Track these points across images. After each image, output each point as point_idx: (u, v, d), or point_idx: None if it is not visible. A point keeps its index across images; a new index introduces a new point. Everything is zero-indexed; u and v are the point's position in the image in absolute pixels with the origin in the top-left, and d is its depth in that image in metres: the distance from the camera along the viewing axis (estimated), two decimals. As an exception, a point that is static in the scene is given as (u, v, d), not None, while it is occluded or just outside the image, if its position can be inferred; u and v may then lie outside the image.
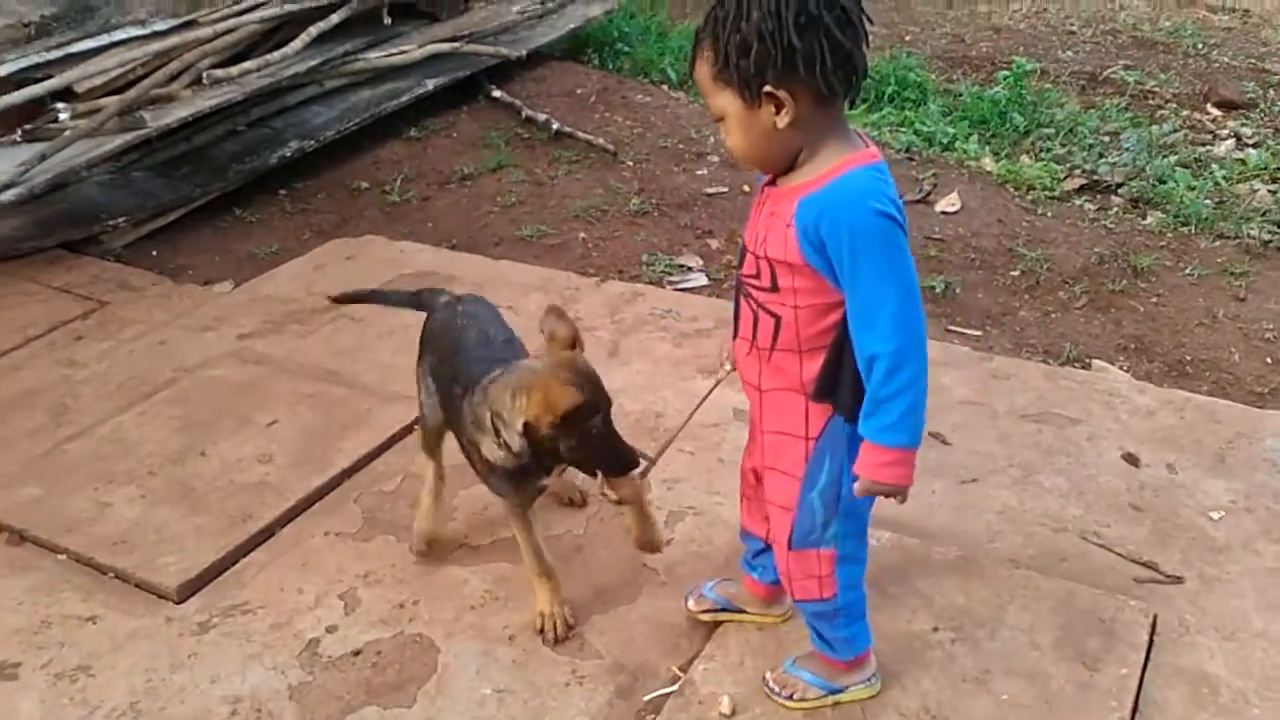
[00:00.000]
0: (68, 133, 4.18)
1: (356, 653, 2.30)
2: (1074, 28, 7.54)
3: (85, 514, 2.73)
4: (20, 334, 3.64)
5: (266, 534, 2.66)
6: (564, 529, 2.62)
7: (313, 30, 4.91)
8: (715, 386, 2.15)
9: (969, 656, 2.19)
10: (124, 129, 4.31)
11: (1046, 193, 4.85)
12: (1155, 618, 2.28)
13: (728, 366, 2.03)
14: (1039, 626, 2.26)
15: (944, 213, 4.56)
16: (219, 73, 4.53)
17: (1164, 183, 4.87)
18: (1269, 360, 3.55)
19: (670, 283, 4.02)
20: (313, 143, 4.96)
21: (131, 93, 4.32)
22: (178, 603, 2.46)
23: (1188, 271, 4.12)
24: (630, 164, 5.03)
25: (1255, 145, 5.47)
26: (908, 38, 7.23)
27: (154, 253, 4.35)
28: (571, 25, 6.26)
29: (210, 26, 4.69)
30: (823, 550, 1.94)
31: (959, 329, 3.73)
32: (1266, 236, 4.40)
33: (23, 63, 4.44)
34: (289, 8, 4.92)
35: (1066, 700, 2.08)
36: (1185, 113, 5.94)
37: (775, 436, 1.90)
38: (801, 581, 1.98)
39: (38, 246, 4.22)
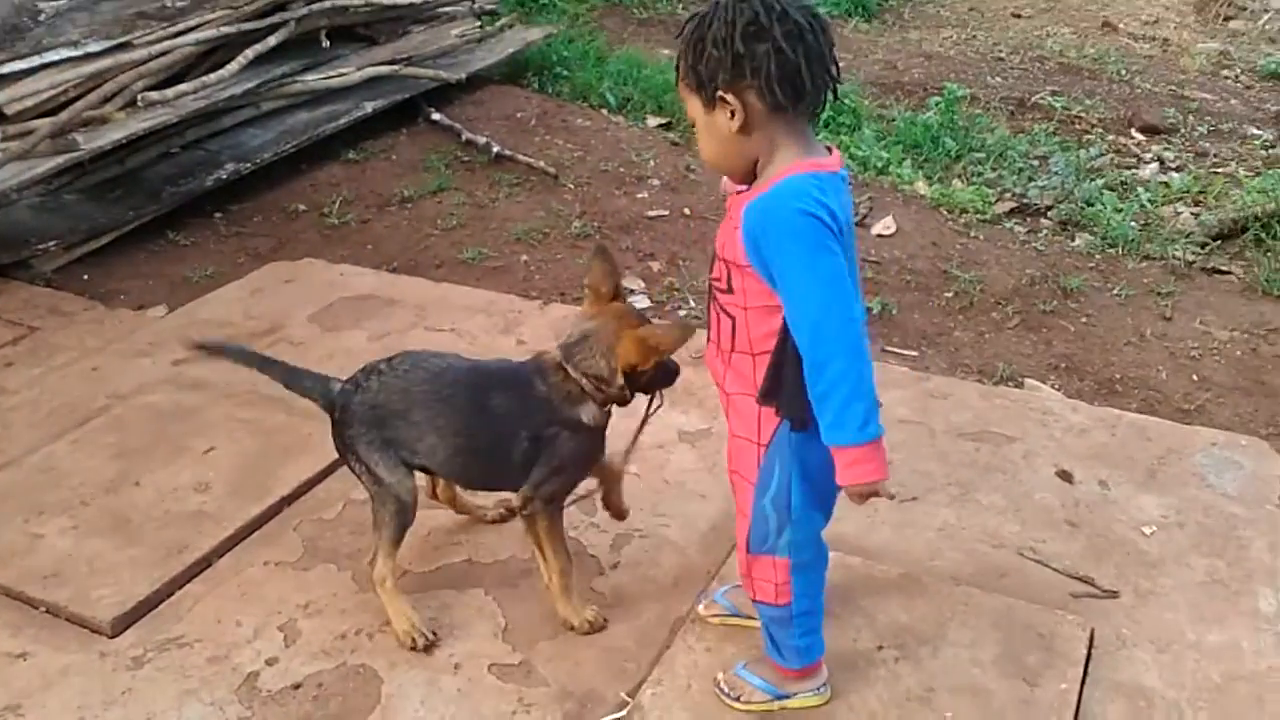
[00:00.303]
0: (-3, 155, 4.09)
1: (297, 685, 2.26)
2: (1003, 54, 7.72)
3: (15, 546, 2.65)
4: (-55, 361, 3.55)
5: (204, 564, 2.61)
6: (509, 554, 2.60)
7: (249, 53, 4.85)
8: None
9: (913, 674, 2.22)
10: (56, 151, 4.22)
11: (978, 216, 4.95)
12: (1093, 632, 2.33)
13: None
14: (980, 643, 2.29)
15: (879, 235, 4.63)
16: (154, 95, 4.46)
17: (1091, 205, 4.99)
18: (1195, 378, 3.65)
19: (612, 305, 4.02)
20: (249, 165, 4.90)
21: (64, 115, 4.24)
22: (111, 637, 2.40)
23: (1115, 292, 4.23)
24: (571, 187, 5.04)
25: (1178, 169, 5.64)
26: (841, 64, 7.31)
27: (85, 277, 4.26)
28: (511, 49, 6.27)
29: (145, 48, 4.62)
30: (777, 558, 1.97)
31: (896, 349, 3.78)
32: (1190, 257, 4.53)
33: (-51, 84, 4.34)
34: (225, 30, 4.86)
35: (1009, 716, 2.11)
36: (1111, 137, 6.10)
37: (735, 441, 1.97)
38: (761, 584, 2.02)
39: (-35, 271, 4.12)
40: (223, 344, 2.62)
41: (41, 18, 4.39)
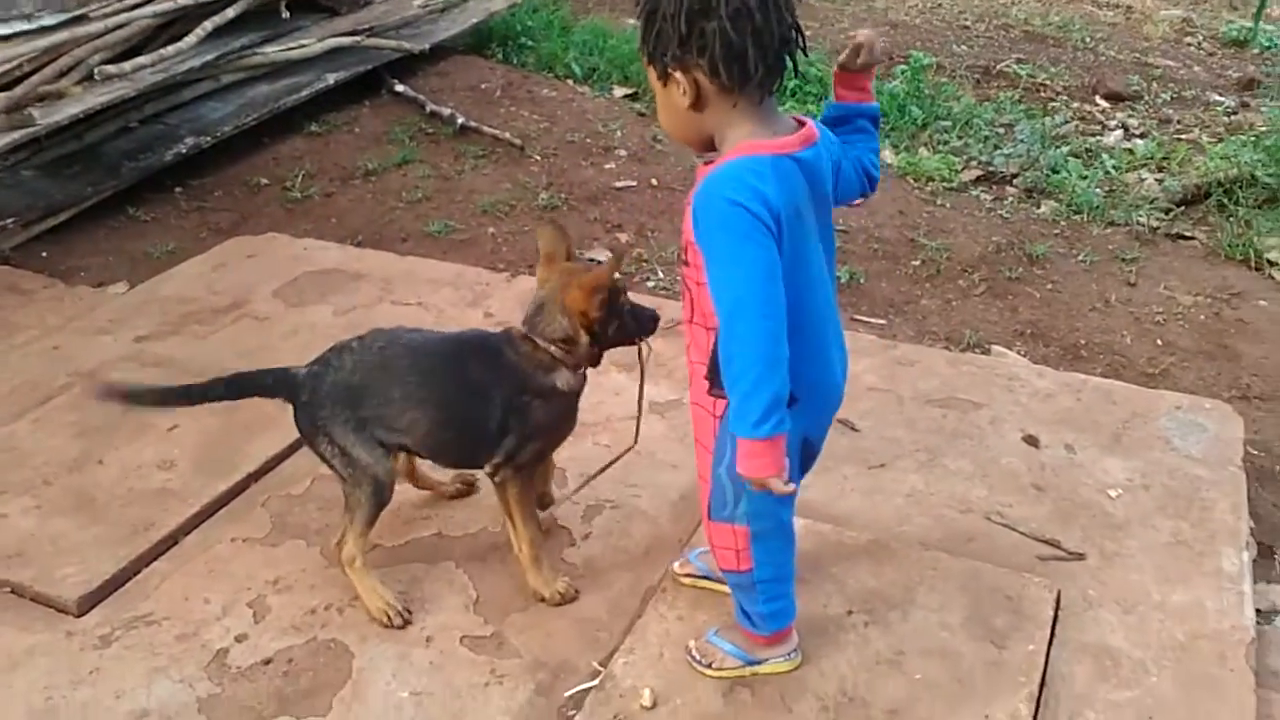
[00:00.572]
0: (-51, 131, 4.01)
1: (267, 661, 2.25)
2: (968, 23, 7.73)
3: (-23, 527, 2.62)
4: (-99, 341, 3.48)
5: (170, 542, 2.58)
6: (480, 527, 2.60)
7: (208, 24, 4.77)
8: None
9: (882, 638, 2.23)
10: (11, 127, 4.14)
11: (945, 184, 4.96)
12: (1059, 594, 2.35)
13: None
14: (949, 606, 2.31)
15: (847, 205, 4.63)
16: (111, 68, 4.38)
17: (1057, 173, 5.01)
18: (1159, 342, 3.69)
19: (580, 277, 4.01)
20: (209, 139, 4.83)
21: (19, 89, 4.16)
22: (78, 616, 2.37)
23: (1080, 258, 4.26)
24: (538, 158, 5.01)
25: (1142, 136, 5.67)
26: (807, 33, 7.30)
27: (44, 254, 4.20)
28: (474, 19, 6.20)
29: (101, 21, 4.53)
30: (736, 525, 1.99)
31: (864, 318, 3.79)
32: (1154, 223, 4.56)
33: (-102, 58, 4.24)
34: (183, 1, 4.78)
35: (977, 678, 2.14)
36: (1075, 105, 6.13)
37: (694, 409, 1.99)
38: (722, 551, 2.04)
39: (-81, 249, 4.05)
40: (133, 389, 2.48)
41: (-7, -10, 4.31)
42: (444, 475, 2.69)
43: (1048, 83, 6.44)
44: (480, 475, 2.69)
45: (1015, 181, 5.03)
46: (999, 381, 3.17)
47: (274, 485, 2.77)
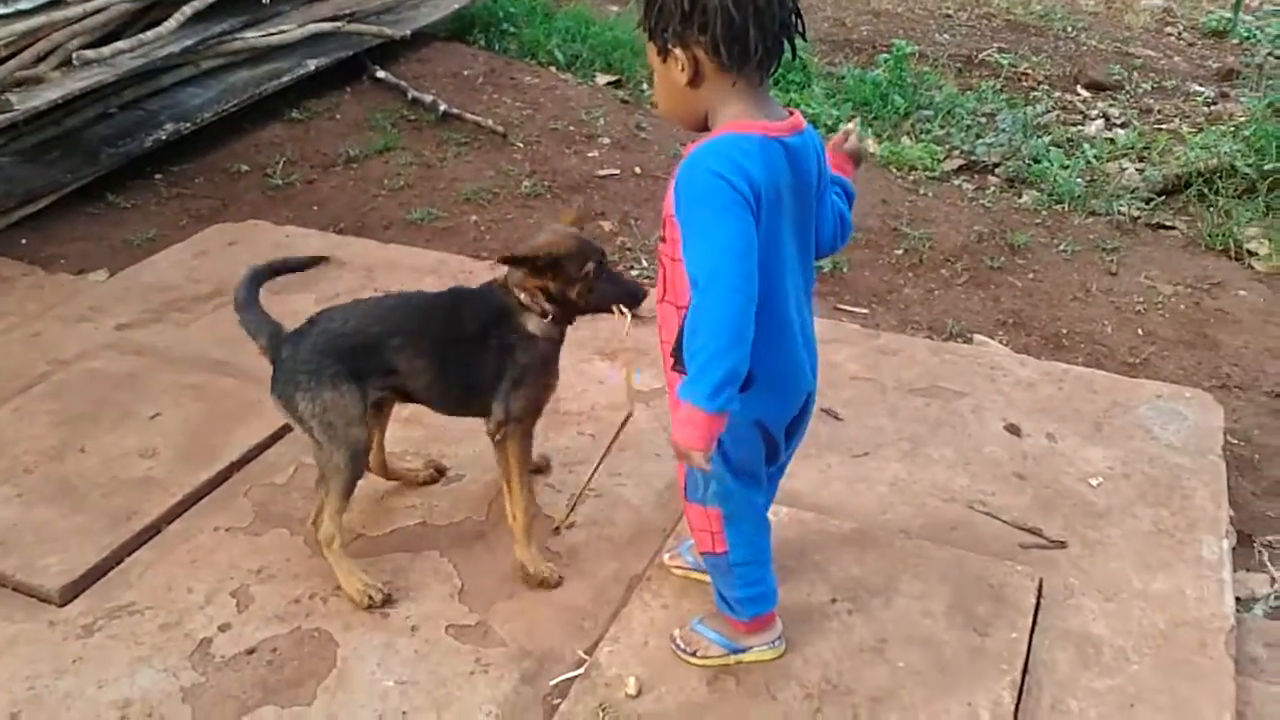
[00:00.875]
0: (-75, 117, 3.96)
1: (251, 651, 2.24)
2: (950, 11, 7.73)
3: (-44, 517, 2.60)
4: (-123, 329, 3.45)
5: (152, 531, 2.57)
6: (464, 516, 2.59)
7: (187, 9, 4.72)
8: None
9: (866, 626, 2.25)
10: (-12, 112, 4.10)
11: (927, 173, 4.97)
12: (1041, 582, 2.37)
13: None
14: (931, 594, 2.33)
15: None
16: (89, 53, 4.33)
17: (1038, 162, 5.03)
18: (1140, 331, 3.71)
19: (564, 265, 4.00)
20: (189, 125, 4.79)
21: (-5, 74, 4.11)
22: (60, 606, 2.36)
23: (1062, 248, 4.28)
24: (520, 146, 4.99)
25: (1123, 125, 5.70)
26: (792, 20, 7.30)
27: (23, 241, 4.16)
28: (456, 5, 6.16)
29: (79, 5, 4.47)
30: (709, 508, 2.00)
31: (847, 307, 3.80)
32: (1135, 213, 4.59)
33: (-128, 42, 4.18)
34: (161, -15, 4.73)
35: (960, 665, 2.15)
36: (1057, 94, 6.15)
37: (669, 390, 1.98)
38: (698, 534, 2.06)
39: (-105, 236, 4.00)
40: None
41: (-32, -27, 4.25)
42: (413, 463, 2.69)
43: (1029, 72, 6.46)
44: (450, 461, 2.75)
45: (997, 171, 5.05)
46: (981, 370, 3.19)
47: (257, 474, 2.76)
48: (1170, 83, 6.36)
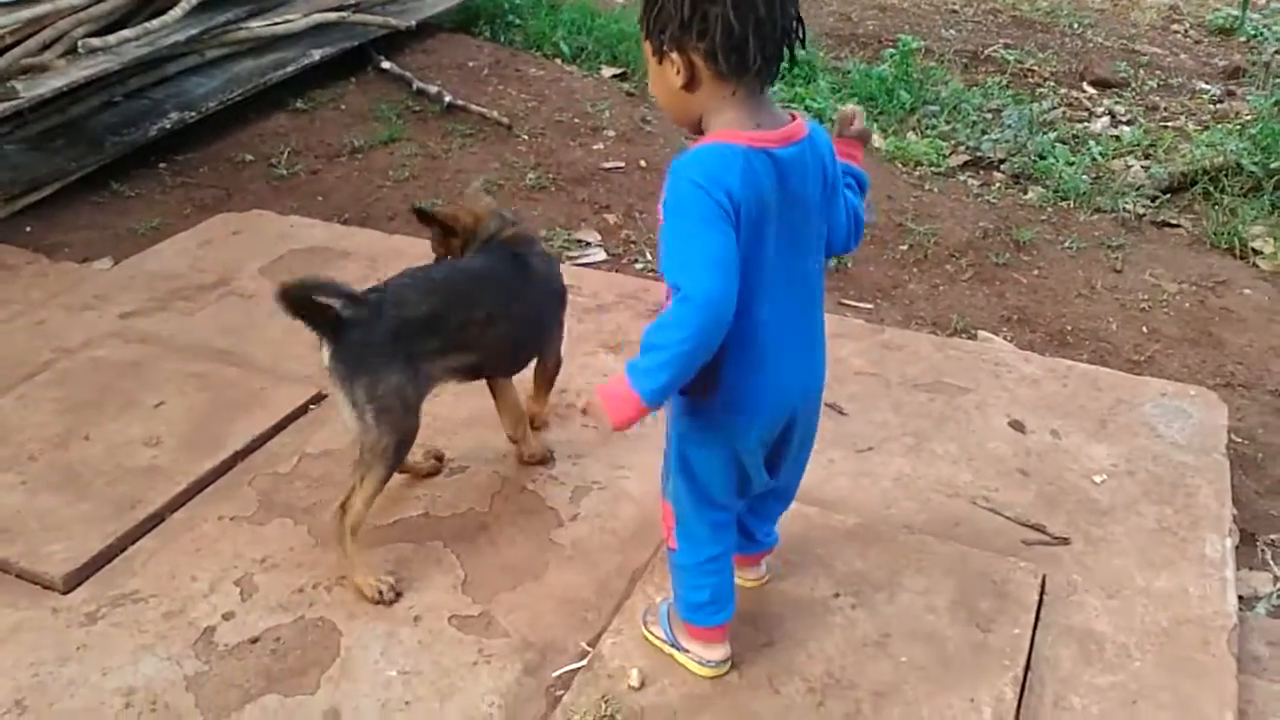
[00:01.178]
0: (-70, 103, 3.96)
1: (255, 640, 2.25)
2: (956, 6, 7.72)
3: (-39, 503, 2.60)
4: (-118, 315, 3.45)
5: (156, 520, 2.57)
6: (467, 507, 2.59)
7: (192, -3, 4.72)
8: None
9: (869, 621, 2.25)
10: (-7, 99, 4.10)
11: (933, 169, 4.97)
12: (1044, 578, 2.37)
13: None
14: (934, 590, 2.33)
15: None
16: (95, 41, 4.33)
17: (1044, 159, 5.03)
18: (1145, 329, 3.71)
19: (569, 258, 4.00)
20: (194, 114, 4.79)
21: (1, 62, 4.10)
22: (64, 593, 2.36)
23: (1067, 245, 4.27)
24: (525, 138, 4.98)
25: (1128, 123, 5.69)
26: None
27: (28, 229, 4.16)
28: (461, -4, 6.16)
29: (84, -8, 4.48)
30: (665, 502, 2.01)
31: (852, 302, 3.80)
32: (1140, 210, 4.58)
33: (-122, 28, 4.18)
34: (167, -27, 4.72)
35: (963, 660, 2.15)
36: (1063, 91, 6.14)
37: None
38: (663, 522, 2.05)
39: (-100, 223, 4.00)
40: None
41: (-26, -40, 4.24)
42: (415, 456, 2.65)
43: (1035, 68, 6.45)
44: (452, 452, 2.76)
45: (1003, 167, 5.04)
46: (986, 367, 3.19)
47: (261, 463, 2.76)
48: (1176, 80, 6.35)
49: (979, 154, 5.15)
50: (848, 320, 3.47)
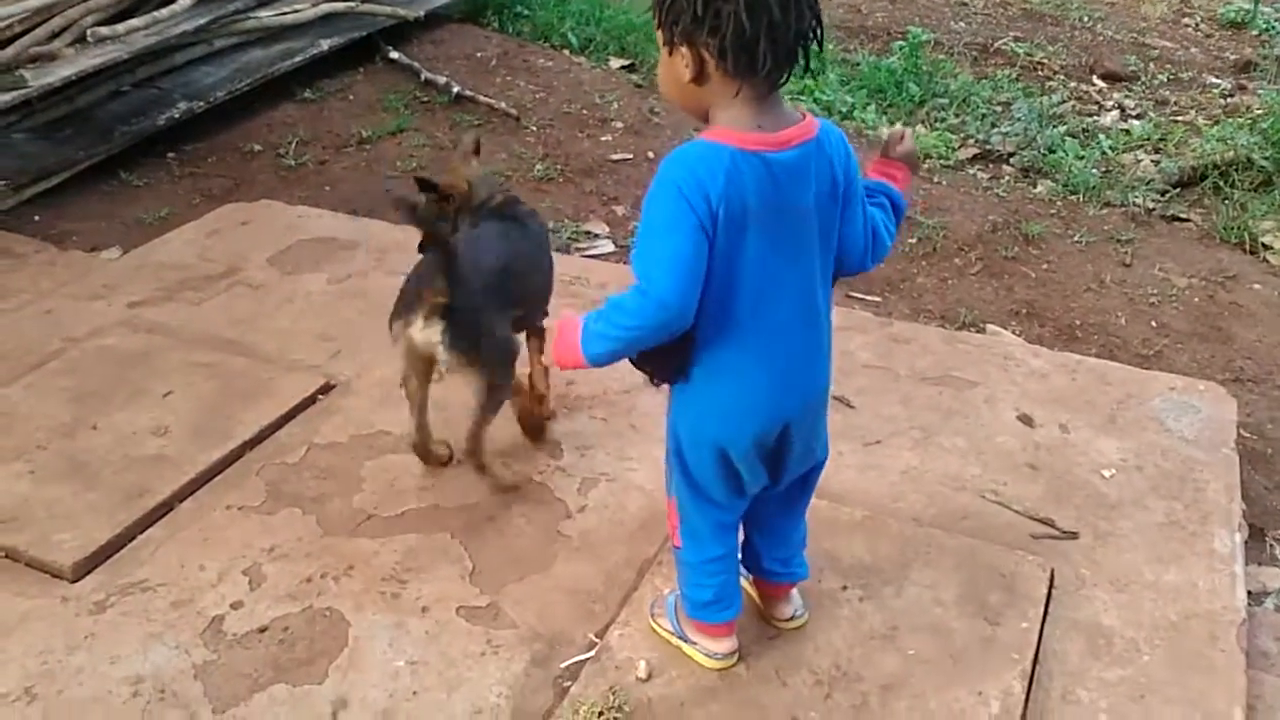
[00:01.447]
0: (-61, 92, 3.96)
1: (263, 629, 2.25)
2: (966, -1, 7.70)
3: (-30, 491, 2.60)
4: (-109, 304, 3.45)
5: (165, 509, 2.57)
6: (476, 499, 2.59)
7: (201, -13, 4.72)
8: None
9: (877, 613, 2.25)
10: (3, 89, 4.10)
11: (942, 161, 4.96)
12: (1053, 572, 2.37)
13: None
14: (942, 583, 2.33)
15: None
16: (104, 30, 4.32)
17: (1053, 152, 5.01)
18: (1154, 324, 3.70)
19: (577, 249, 4.00)
20: (202, 104, 4.79)
21: (10, 50, 4.10)
22: (73, 582, 2.37)
23: (1076, 238, 4.26)
24: (534, 129, 4.98)
25: (1138, 116, 5.67)
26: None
27: (36, 218, 4.16)
28: (470, -14, 6.15)
29: (92, -19, 4.48)
30: (670, 497, 2.01)
31: (860, 295, 3.79)
32: (1150, 204, 4.57)
33: (-114, 17, 4.18)
34: (175, -37, 4.72)
35: (971, 654, 2.15)
36: (1073, 84, 6.12)
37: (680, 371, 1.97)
38: (667, 519, 2.05)
39: (-91, 211, 4.01)
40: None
41: (-17, -52, 4.24)
42: (435, 446, 2.67)
43: (1045, 61, 6.42)
44: (460, 444, 2.71)
45: (1012, 160, 5.03)
46: (994, 360, 3.18)
47: (269, 453, 2.76)
48: (1187, 74, 6.32)
49: (988, 147, 5.13)
50: (856, 313, 3.47)
